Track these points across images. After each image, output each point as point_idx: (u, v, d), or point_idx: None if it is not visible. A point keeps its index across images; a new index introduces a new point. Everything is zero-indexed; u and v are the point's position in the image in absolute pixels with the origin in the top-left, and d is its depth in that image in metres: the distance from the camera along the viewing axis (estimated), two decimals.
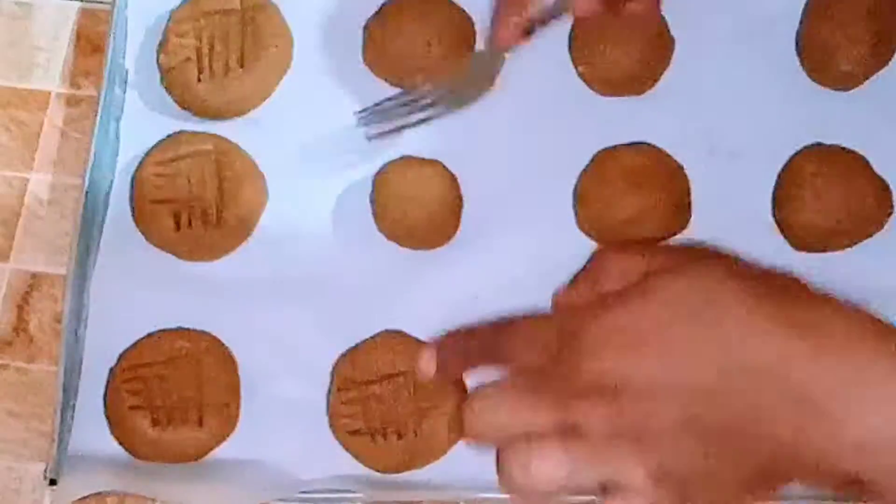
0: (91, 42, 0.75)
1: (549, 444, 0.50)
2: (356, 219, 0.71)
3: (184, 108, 0.73)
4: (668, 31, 0.74)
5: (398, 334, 0.68)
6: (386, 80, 0.74)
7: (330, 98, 0.74)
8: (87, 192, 0.69)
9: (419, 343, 0.68)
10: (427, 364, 0.54)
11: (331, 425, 0.67)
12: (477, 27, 0.74)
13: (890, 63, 0.75)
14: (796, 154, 0.72)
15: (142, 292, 0.70)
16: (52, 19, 0.76)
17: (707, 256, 0.53)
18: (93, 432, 0.67)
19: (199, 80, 0.72)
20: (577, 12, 0.64)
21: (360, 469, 0.67)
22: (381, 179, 0.71)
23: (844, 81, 0.74)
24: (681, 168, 0.72)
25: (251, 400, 0.68)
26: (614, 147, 0.72)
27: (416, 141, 0.71)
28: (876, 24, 0.74)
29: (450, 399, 0.67)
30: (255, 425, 0.68)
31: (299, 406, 0.68)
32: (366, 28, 0.74)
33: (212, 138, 0.71)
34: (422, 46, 0.72)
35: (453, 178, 0.71)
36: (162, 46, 0.73)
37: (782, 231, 0.72)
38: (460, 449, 0.67)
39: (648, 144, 0.72)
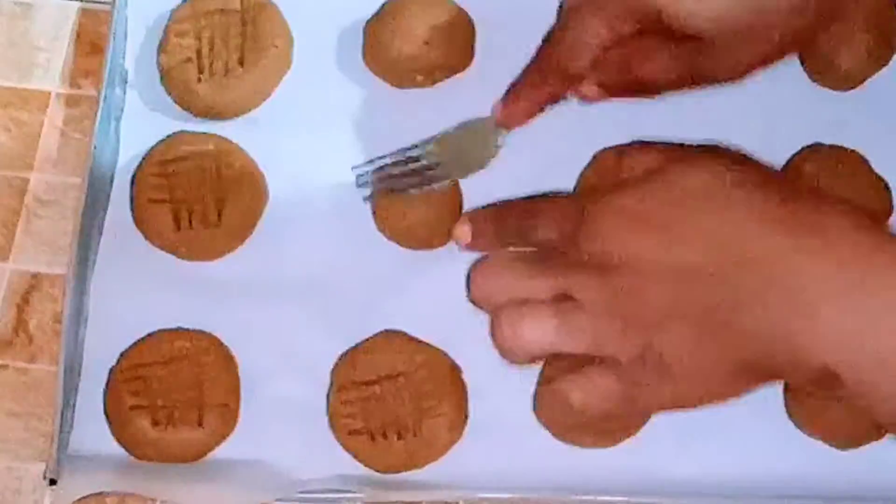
0: (91, 42, 0.75)
1: (541, 309, 0.54)
2: (356, 219, 0.71)
3: (184, 109, 0.73)
4: None
5: (398, 334, 0.68)
6: (386, 80, 0.74)
7: (330, 98, 0.74)
8: (87, 192, 0.69)
9: (419, 343, 0.68)
10: (463, 231, 0.60)
11: (331, 425, 0.67)
12: (477, 27, 0.74)
13: (890, 63, 0.75)
14: (796, 154, 0.72)
15: (142, 292, 0.70)
16: (52, 19, 0.76)
17: (720, 150, 0.56)
18: (93, 432, 0.67)
19: (199, 80, 0.72)
20: (584, 100, 0.65)
21: (360, 469, 0.67)
22: None
23: (844, 82, 0.74)
24: None
25: (251, 400, 0.68)
26: (614, 147, 0.72)
27: (416, 141, 0.72)
28: (876, 24, 0.74)
29: (450, 399, 0.67)
30: (255, 425, 0.68)
31: (299, 406, 0.68)
32: (366, 28, 0.74)
33: (212, 138, 0.71)
34: (422, 46, 0.72)
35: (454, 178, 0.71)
36: (162, 46, 0.73)
37: None
38: (460, 449, 0.67)
39: (652, 144, 0.72)
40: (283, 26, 0.74)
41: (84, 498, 0.65)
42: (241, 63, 0.72)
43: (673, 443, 0.67)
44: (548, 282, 0.54)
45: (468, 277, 0.57)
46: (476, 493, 0.66)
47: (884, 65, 0.75)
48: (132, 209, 0.71)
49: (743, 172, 0.54)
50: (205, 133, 0.72)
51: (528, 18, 0.74)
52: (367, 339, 0.69)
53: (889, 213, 0.72)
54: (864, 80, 0.75)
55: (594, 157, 0.72)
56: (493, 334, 0.55)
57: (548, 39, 0.63)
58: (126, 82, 0.74)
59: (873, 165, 0.72)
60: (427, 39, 0.72)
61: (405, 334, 0.68)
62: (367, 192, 0.70)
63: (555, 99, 0.65)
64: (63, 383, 0.65)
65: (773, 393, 0.67)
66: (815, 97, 0.75)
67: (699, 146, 0.59)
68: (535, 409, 0.56)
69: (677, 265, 0.51)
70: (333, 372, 0.68)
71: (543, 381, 0.65)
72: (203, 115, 0.72)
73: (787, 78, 0.75)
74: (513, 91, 0.66)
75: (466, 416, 0.68)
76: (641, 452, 0.67)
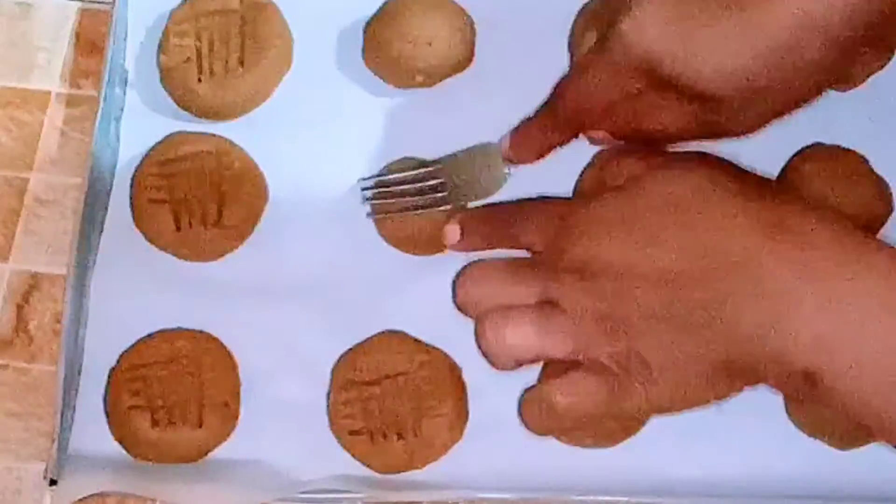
0: (91, 42, 0.75)
1: (525, 314, 0.54)
2: (356, 219, 0.71)
3: (184, 109, 0.73)
4: None
5: (398, 334, 0.68)
6: (386, 80, 0.74)
7: (330, 98, 0.74)
8: (87, 192, 0.69)
9: (419, 343, 0.68)
10: (452, 231, 0.61)
11: (331, 425, 0.67)
12: (477, 27, 0.74)
13: (890, 63, 0.75)
14: (796, 154, 0.72)
15: (142, 292, 0.70)
16: (52, 19, 0.76)
17: (702, 157, 0.56)
18: (93, 432, 0.67)
19: (199, 80, 0.72)
20: (591, 142, 0.64)
21: (360, 469, 0.67)
22: None
23: (844, 81, 0.74)
24: None
25: (251, 400, 0.68)
26: (598, 153, 0.71)
27: (416, 142, 0.72)
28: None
29: (450, 399, 0.67)
30: (255, 425, 0.68)
31: (299, 406, 0.68)
32: (366, 28, 0.74)
33: (212, 138, 0.72)
34: (422, 46, 0.72)
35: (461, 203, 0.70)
36: (162, 46, 0.73)
37: None
38: (460, 449, 0.67)
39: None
40: (283, 26, 0.74)
41: (84, 498, 0.65)
42: (241, 63, 0.72)
43: (673, 443, 0.67)
44: (531, 288, 0.55)
45: (453, 284, 0.57)
46: (476, 493, 0.66)
47: (884, 64, 0.75)
48: (132, 209, 0.71)
49: (724, 178, 0.54)
50: (205, 133, 0.72)
51: (528, 18, 0.74)
52: (367, 339, 0.69)
53: (889, 213, 0.72)
54: (865, 79, 0.74)
55: (594, 157, 0.71)
56: (477, 340, 0.56)
57: (558, 88, 0.62)
58: (126, 82, 0.74)
59: (873, 165, 0.72)
60: (427, 39, 0.72)
61: (405, 334, 0.68)
62: (372, 208, 0.70)
63: (563, 144, 0.64)
64: (63, 383, 0.65)
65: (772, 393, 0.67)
66: None
67: (682, 152, 0.59)
68: (519, 412, 0.56)
69: (659, 270, 0.52)
70: (333, 372, 0.68)
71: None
72: (203, 116, 0.72)
73: None
74: (523, 131, 0.65)
75: (466, 416, 0.68)
76: (641, 452, 0.67)
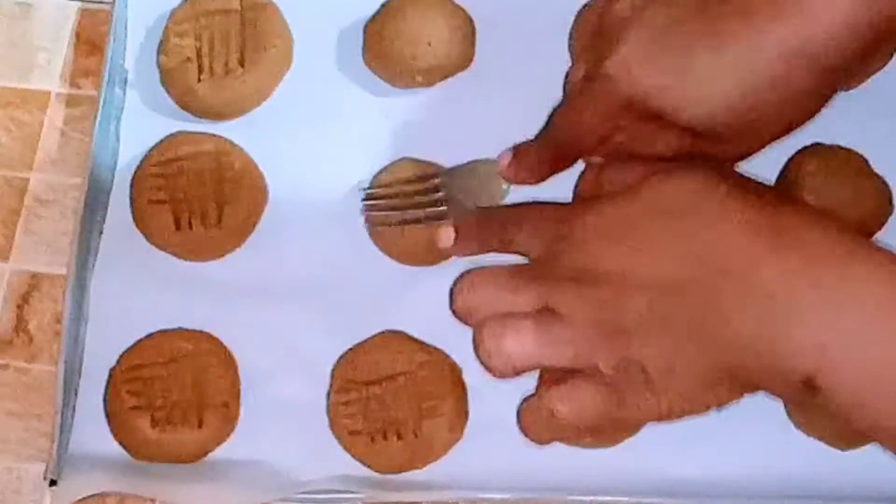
0: (91, 42, 0.75)
1: (523, 322, 0.54)
2: (357, 219, 0.71)
3: (184, 109, 0.73)
4: None
5: (398, 335, 0.68)
6: (386, 80, 0.74)
7: (330, 98, 0.74)
8: (87, 192, 0.69)
9: (419, 343, 0.68)
10: (446, 233, 0.61)
11: (331, 426, 0.67)
12: (477, 27, 0.74)
13: (890, 63, 0.75)
14: (796, 154, 0.72)
15: (142, 293, 0.70)
16: (52, 19, 0.76)
17: (700, 166, 0.56)
18: (93, 432, 0.67)
19: (199, 80, 0.72)
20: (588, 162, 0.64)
21: (360, 469, 0.67)
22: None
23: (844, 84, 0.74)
24: None
25: (251, 400, 0.68)
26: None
27: (416, 142, 0.71)
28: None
29: (450, 399, 0.67)
30: (255, 425, 0.68)
31: (299, 406, 0.68)
32: (366, 28, 0.74)
33: (212, 138, 0.72)
34: (422, 46, 0.72)
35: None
36: (162, 46, 0.73)
37: None
38: (460, 449, 0.67)
39: None
40: (283, 26, 0.74)
41: (84, 498, 0.65)
42: (241, 63, 0.72)
43: (673, 443, 0.67)
44: (529, 295, 0.54)
45: (451, 291, 0.57)
46: (476, 493, 0.66)
47: (884, 65, 0.75)
48: (132, 209, 0.71)
49: (721, 184, 0.54)
50: (205, 133, 0.72)
51: (528, 18, 0.74)
52: (367, 339, 0.69)
53: (889, 213, 0.72)
54: (864, 80, 0.74)
55: (591, 163, 0.71)
56: (475, 348, 0.55)
57: (552, 118, 0.62)
58: (126, 82, 0.74)
59: (873, 165, 0.72)
60: (427, 39, 0.72)
61: (405, 334, 0.68)
62: (368, 219, 0.70)
63: (561, 170, 0.64)
64: (63, 383, 0.65)
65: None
66: None
67: (678, 162, 0.59)
68: (518, 421, 0.56)
69: (657, 277, 0.52)
70: (333, 372, 0.68)
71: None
72: (203, 116, 0.72)
73: None
74: (521, 155, 0.64)
75: (466, 417, 0.68)
76: (641, 452, 0.67)
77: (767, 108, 0.55)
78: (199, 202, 0.70)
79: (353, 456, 0.67)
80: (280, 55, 0.73)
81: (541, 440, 0.56)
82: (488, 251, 0.61)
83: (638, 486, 0.67)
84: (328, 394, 0.68)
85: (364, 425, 0.67)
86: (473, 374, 0.68)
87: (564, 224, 0.56)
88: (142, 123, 0.73)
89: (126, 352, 0.68)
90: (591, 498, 0.66)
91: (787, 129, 0.58)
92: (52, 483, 0.65)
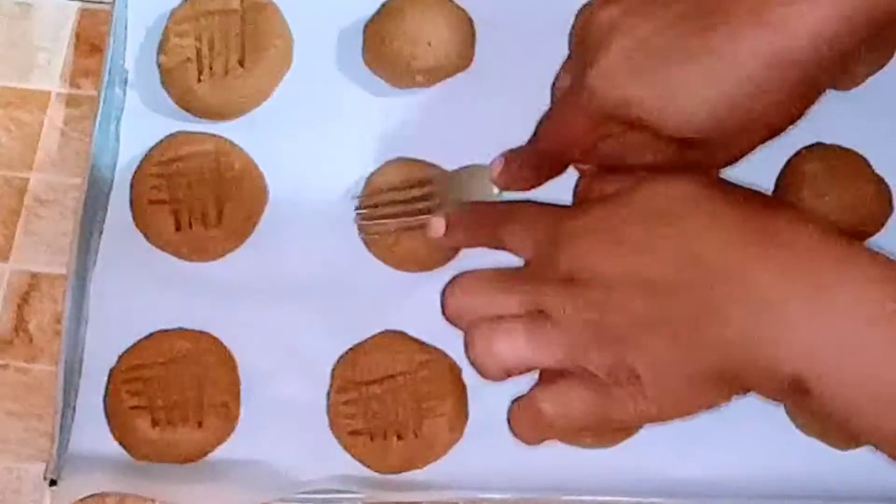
0: (91, 42, 0.75)
1: (514, 324, 0.54)
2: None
3: (184, 109, 0.73)
4: None
5: (398, 334, 0.68)
6: (386, 80, 0.74)
7: (330, 98, 0.74)
8: (87, 192, 0.69)
9: (419, 343, 0.68)
10: (437, 225, 0.62)
11: (331, 425, 0.67)
12: (477, 27, 0.74)
13: (890, 63, 0.75)
14: (796, 154, 0.72)
15: (142, 292, 0.70)
16: (52, 19, 0.76)
17: (692, 172, 0.56)
18: (93, 432, 0.67)
19: (199, 80, 0.72)
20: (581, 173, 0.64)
21: (360, 469, 0.67)
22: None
23: (844, 81, 0.74)
24: None
25: (251, 400, 0.68)
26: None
27: (416, 142, 0.71)
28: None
29: (450, 399, 0.67)
30: (255, 425, 0.68)
31: (299, 406, 0.68)
32: (366, 28, 0.74)
33: (212, 138, 0.72)
34: (422, 46, 0.72)
35: None
36: (162, 46, 0.73)
37: None
38: (460, 449, 0.67)
39: None
40: (283, 26, 0.74)
41: (84, 498, 0.65)
42: (241, 63, 0.72)
43: (673, 443, 0.67)
44: (520, 297, 0.54)
45: (442, 295, 0.57)
46: (476, 493, 0.66)
47: (883, 65, 0.75)
48: (132, 209, 0.71)
49: (711, 188, 0.54)
50: (204, 133, 0.72)
51: (528, 18, 0.74)
52: (367, 339, 0.69)
53: (889, 213, 0.72)
54: (865, 79, 0.74)
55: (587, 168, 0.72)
56: (466, 350, 0.55)
57: (539, 128, 0.62)
58: (126, 82, 0.74)
59: (873, 165, 0.72)
60: (427, 39, 0.72)
61: (405, 334, 0.68)
62: (360, 228, 0.70)
63: (551, 178, 0.64)
64: (63, 383, 0.65)
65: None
66: None
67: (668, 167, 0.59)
68: (508, 420, 0.56)
69: (649, 279, 0.52)
70: (333, 372, 0.68)
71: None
72: (203, 116, 0.72)
73: None
74: (511, 163, 0.64)
75: (466, 416, 0.68)
76: (641, 452, 0.67)
77: (752, 115, 0.55)
78: (199, 202, 0.70)
79: (353, 456, 0.67)
80: (280, 55, 0.73)
81: (529, 440, 0.56)
82: (478, 245, 0.61)
83: (638, 486, 0.67)
84: (328, 394, 0.68)
85: (364, 425, 0.67)
86: (473, 374, 0.67)
87: (557, 225, 0.55)
88: (142, 123, 0.73)
89: (126, 352, 0.68)
90: (591, 498, 0.66)
91: (773, 133, 0.58)
92: (52, 483, 0.65)
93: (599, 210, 0.55)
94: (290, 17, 0.74)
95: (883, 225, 0.72)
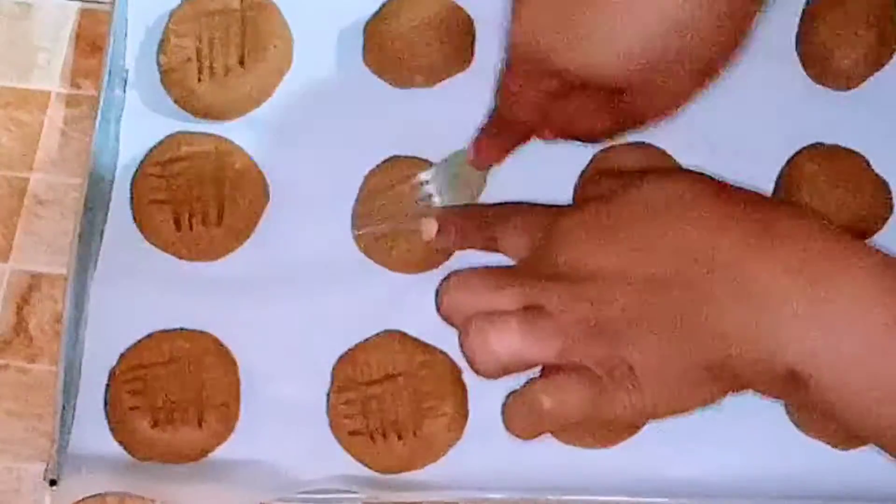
0: (91, 42, 0.75)
1: (509, 319, 0.54)
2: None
3: (184, 109, 0.73)
4: None
5: (398, 334, 0.68)
6: (386, 80, 0.74)
7: (330, 98, 0.74)
8: (87, 192, 0.69)
9: (419, 343, 0.68)
10: (429, 226, 0.63)
11: (331, 425, 0.67)
12: (477, 27, 0.74)
13: (890, 63, 0.75)
14: (796, 154, 0.72)
15: (142, 293, 0.70)
16: (52, 19, 0.76)
17: (688, 171, 0.57)
18: (93, 432, 0.67)
19: (199, 80, 0.72)
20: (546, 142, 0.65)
21: (360, 469, 0.67)
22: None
23: (844, 81, 0.74)
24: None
25: (251, 400, 0.68)
26: (613, 147, 0.71)
27: (416, 142, 0.71)
28: (876, 23, 0.74)
29: (450, 399, 0.67)
30: (255, 425, 0.68)
31: (299, 406, 0.68)
32: (366, 28, 0.74)
33: (212, 138, 0.72)
34: (422, 46, 0.72)
35: None
36: (162, 46, 0.73)
37: None
38: (460, 449, 0.67)
39: (648, 145, 0.72)
40: (283, 26, 0.74)
41: (84, 498, 0.65)
42: (241, 63, 0.72)
43: (673, 443, 0.67)
44: (515, 293, 0.54)
45: (437, 293, 0.57)
46: (476, 493, 0.66)
47: (884, 65, 0.75)
48: (132, 209, 0.71)
49: (708, 186, 0.54)
50: (205, 133, 0.72)
51: None
52: (367, 339, 0.69)
53: (889, 214, 0.72)
54: (864, 79, 0.75)
55: (593, 158, 0.72)
56: (462, 347, 0.55)
57: (494, 97, 0.63)
58: (126, 82, 0.74)
59: (873, 165, 0.72)
60: (427, 39, 0.72)
61: (405, 334, 0.68)
62: (356, 237, 0.70)
63: (516, 146, 0.65)
64: (63, 383, 0.65)
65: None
66: (815, 97, 0.75)
67: (665, 168, 0.59)
68: (502, 413, 0.56)
69: (644, 275, 0.52)
70: (333, 372, 0.68)
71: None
72: (203, 116, 0.72)
73: (786, 78, 0.75)
74: (480, 139, 0.66)
75: (466, 416, 0.68)
76: (641, 452, 0.67)
77: (676, 53, 0.55)
78: (200, 202, 0.70)
79: (353, 456, 0.67)
80: (280, 55, 0.73)
81: (524, 434, 0.56)
82: (472, 246, 0.61)
83: (638, 486, 0.67)
84: (328, 394, 0.68)
85: (364, 425, 0.67)
86: (473, 374, 0.68)
87: (552, 223, 0.56)
88: (142, 123, 0.73)
89: (126, 352, 0.68)
90: (591, 498, 0.66)
91: (703, 77, 0.58)
92: (52, 483, 0.65)
93: (595, 207, 0.56)
94: (290, 17, 0.74)
95: (883, 225, 0.72)
